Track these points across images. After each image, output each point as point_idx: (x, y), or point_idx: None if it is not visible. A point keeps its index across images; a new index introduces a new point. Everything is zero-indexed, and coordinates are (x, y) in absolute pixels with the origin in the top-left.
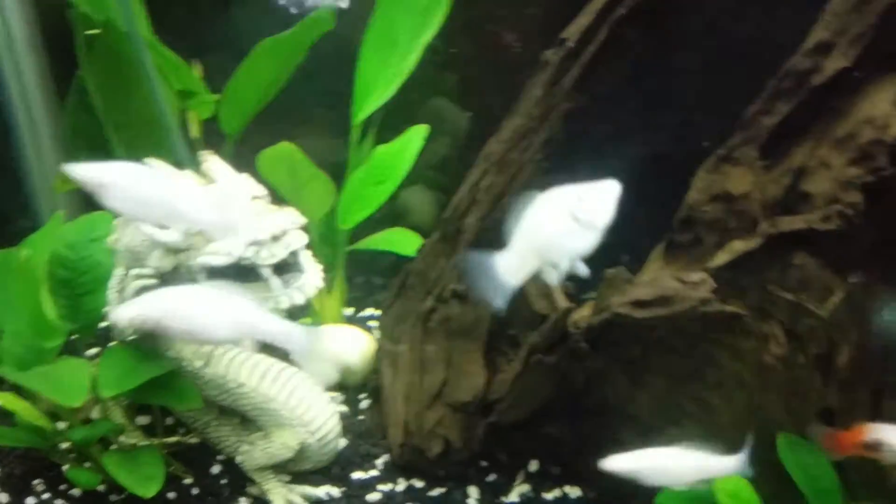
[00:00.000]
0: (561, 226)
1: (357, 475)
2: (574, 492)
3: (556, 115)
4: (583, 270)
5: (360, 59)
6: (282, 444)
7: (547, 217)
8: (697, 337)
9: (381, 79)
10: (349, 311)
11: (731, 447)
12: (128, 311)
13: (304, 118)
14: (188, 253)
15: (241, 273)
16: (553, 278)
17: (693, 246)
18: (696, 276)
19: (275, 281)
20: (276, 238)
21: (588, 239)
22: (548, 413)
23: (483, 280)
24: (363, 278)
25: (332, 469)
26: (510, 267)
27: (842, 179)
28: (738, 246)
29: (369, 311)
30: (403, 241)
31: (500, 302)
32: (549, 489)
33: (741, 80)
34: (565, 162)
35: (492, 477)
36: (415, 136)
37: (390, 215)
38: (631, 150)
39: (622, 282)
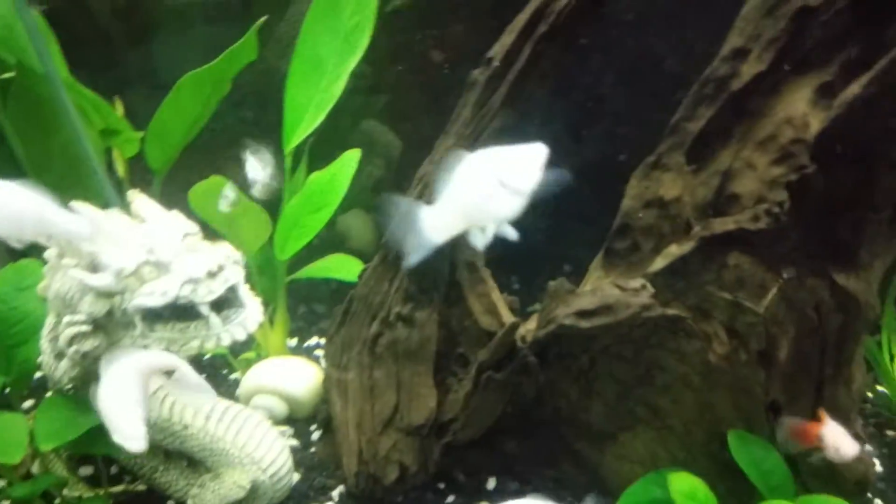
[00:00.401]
0: (487, 189)
1: None
2: None
3: (486, 134)
4: (511, 234)
5: (288, 87)
6: (233, 484)
7: (474, 180)
8: (643, 343)
9: (309, 106)
10: (293, 341)
11: (682, 448)
12: None
13: (235, 151)
14: (122, 296)
15: (180, 312)
16: (479, 242)
17: (631, 252)
18: (636, 282)
19: (214, 318)
20: (212, 274)
21: (514, 203)
22: (502, 429)
23: (406, 231)
24: (305, 308)
25: None
26: (435, 224)
27: (767, 179)
28: (674, 250)
29: (314, 340)
30: (344, 268)
31: (417, 257)
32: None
33: (665, 89)
34: None
35: (450, 498)
36: (347, 162)
37: (329, 242)
38: (563, 163)
39: (565, 293)
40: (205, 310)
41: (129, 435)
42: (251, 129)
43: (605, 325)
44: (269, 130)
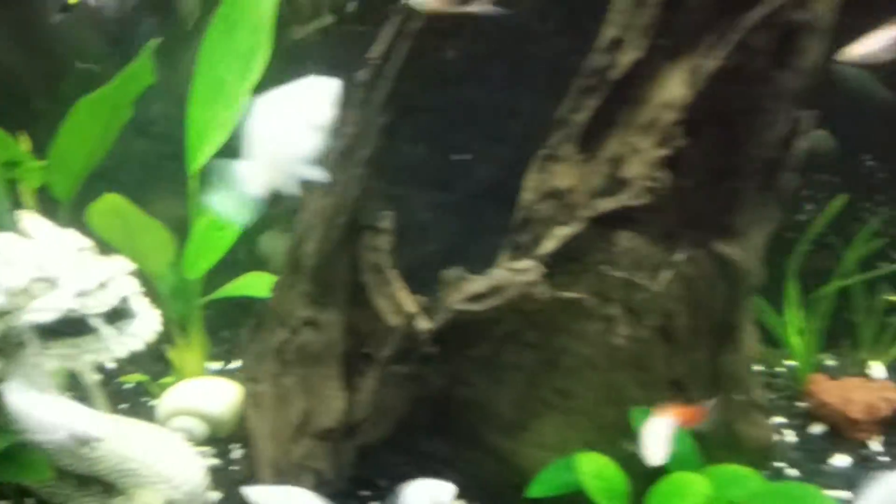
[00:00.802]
0: (284, 128)
1: None
2: None
3: (372, 132)
4: (319, 176)
5: (190, 108)
6: None
7: (269, 121)
8: (547, 328)
9: (212, 126)
10: (217, 364)
11: (593, 430)
12: None
13: (144, 175)
14: (13, 315)
15: (73, 326)
16: (292, 187)
17: (534, 245)
18: (524, 263)
19: (106, 329)
20: (103, 286)
21: (313, 138)
22: (419, 429)
23: (226, 191)
24: (232, 331)
25: None
26: (248, 176)
27: (651, 161)
28: (562, 231)
29: (241, 363)
30: (258, 285)
31: (244, 215)
32: None
33: (549, 83)
34: (396, 176)
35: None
36: None
37: (253, 264)
38: (457, 159)
39: (457, 280)
40: (96, 321)
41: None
42: (162, 155)
43: (496, 307)
44: (180, 155)
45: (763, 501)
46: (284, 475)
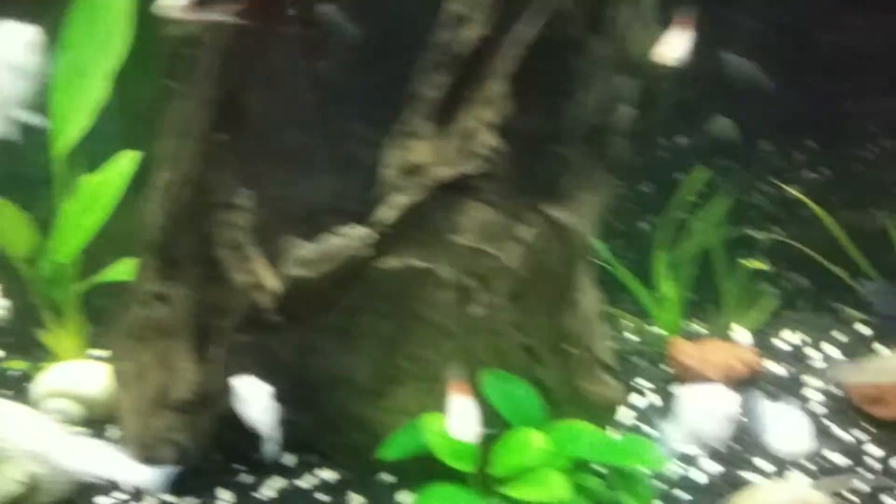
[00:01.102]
0: None
1: (102, 501)
2: (331, 475)
3: (207, 106)
4: (36, 121)
5: (52, 92)
6: (9, 479)
7: None
8: (398, 297)
9: (74, 110)
10: (100, 351)
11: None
12: None
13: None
14: None
15: None
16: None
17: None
18: (357, 230)
19: None
20: None
21: (16, 83)
22: (285, 401)
23: None
24: None
25: (76, 500)
26: None
27: (486, 131)
28: (402, 200)
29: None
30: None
31: None
32: (304, 478)
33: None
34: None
35: (245, 477)
36: (123, 162)
37: None
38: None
39: (292, 247)
40: None
41: None
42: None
43: (329, 273)
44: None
45: (597, 454)
46: (148, 448)
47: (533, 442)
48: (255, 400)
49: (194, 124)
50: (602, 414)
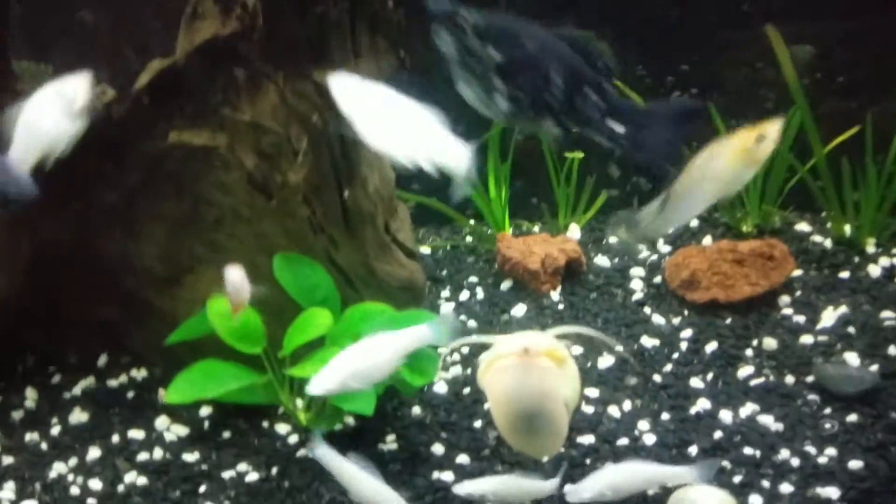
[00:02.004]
0: None
1: None
2: (140, 374)
3: None
4: None
5: None
6: None
7: None
8: (184, 178)
9: None
10: None
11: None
12: None
13: None
14: None
15: None
16: None
17: None
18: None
19: None
20: None
21: None
22: (82, 299)
23: None
24: None
25: None
26: None
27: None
28: (156, 65)
29: None
30: None
31: None
32: (115, 377)
33: None
34: None
35: (56, 378)
36: None
37: None
38: None
39: None
40: None
41: None
42: None
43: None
44: None
45: (380, 328)
46: None
47: (317, 320)
48: None
49: None
50: (403, 296)
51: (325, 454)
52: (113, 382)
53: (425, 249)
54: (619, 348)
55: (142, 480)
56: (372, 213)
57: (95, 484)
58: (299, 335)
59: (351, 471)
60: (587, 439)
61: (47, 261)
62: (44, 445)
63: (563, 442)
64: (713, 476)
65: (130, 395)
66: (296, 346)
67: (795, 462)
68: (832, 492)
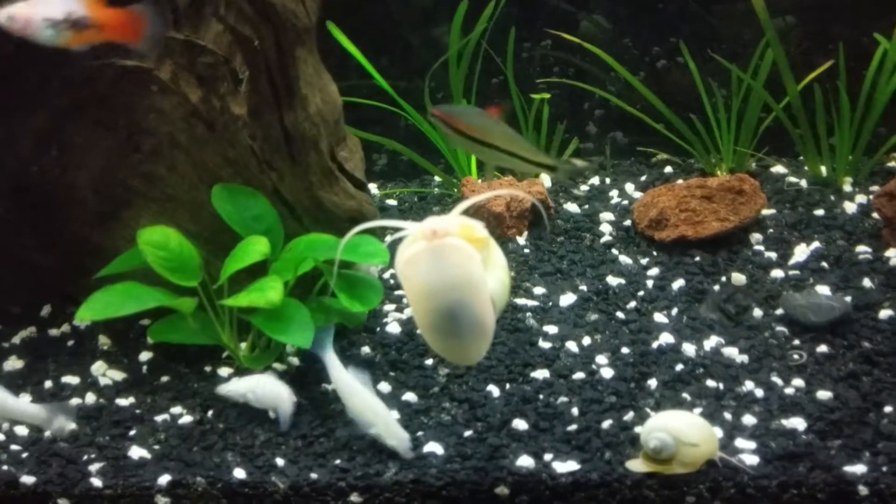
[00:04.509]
0: None
1: None
2: (83, 323)
3: None
4: None
5: None
6: None
7: None
8: (119, 104)
9: None
10: None
11: (191, 220)
12: None
13: None
14: None
15: None
16: None
17: None
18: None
19: None
20: None
21: None
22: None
23: None
24: None
25: None
26: None
27: None
28: None
29: None
30: None
31: None
32: (57, 327)
33: None
34: None
35: None
36: None
37: None
38: None
39: None
40: None
41: None
42: None
43: None
44: None
45: (323, 255)
46: None
47: (254, 247)
48: None
49: None
50: (351, 228)
51: (331, 359)
52: (55, 332)
53: (392, 201)
54: (584, 288)
55: (70, 426)
56: (315, 136)
57: (21, 430)
58: (235, 263)
59: (348, 381)
60: (541, 374)
61: None
62: None
63: (489, 344)
64: None
65: (70, 343)
66: (231, 273)
67: (760, 393)
68: (798, 422)
